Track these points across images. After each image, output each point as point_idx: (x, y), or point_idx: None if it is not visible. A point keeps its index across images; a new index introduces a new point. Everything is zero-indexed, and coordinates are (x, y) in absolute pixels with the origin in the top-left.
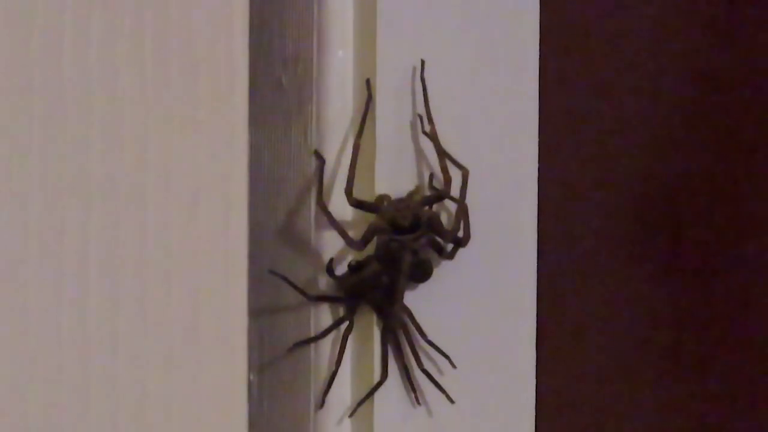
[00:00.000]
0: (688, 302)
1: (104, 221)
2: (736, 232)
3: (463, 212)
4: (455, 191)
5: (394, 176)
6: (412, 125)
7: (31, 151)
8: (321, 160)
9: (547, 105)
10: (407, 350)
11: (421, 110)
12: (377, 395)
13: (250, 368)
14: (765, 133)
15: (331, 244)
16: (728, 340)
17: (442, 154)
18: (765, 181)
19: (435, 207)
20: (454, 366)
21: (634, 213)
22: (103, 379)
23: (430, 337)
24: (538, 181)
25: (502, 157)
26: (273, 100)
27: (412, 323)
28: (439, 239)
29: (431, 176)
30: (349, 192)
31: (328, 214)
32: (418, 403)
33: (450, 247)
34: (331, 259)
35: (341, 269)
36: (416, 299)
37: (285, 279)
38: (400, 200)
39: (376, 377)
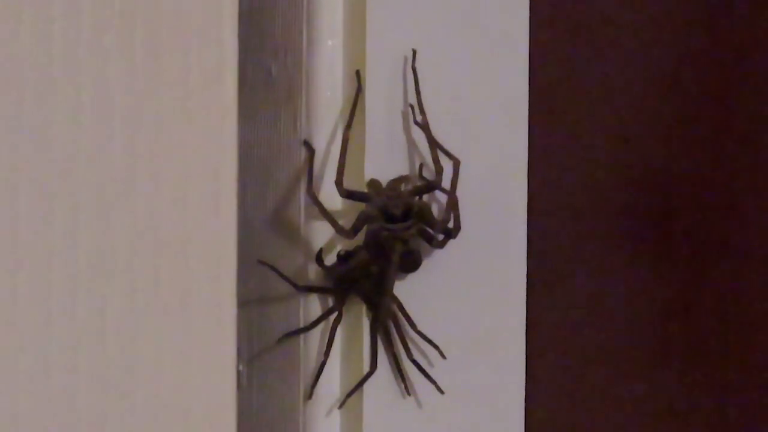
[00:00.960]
0: (678, 292)
1: (93, 211)
2: (726, 223)
3: (453, 203)
4: (446, 182)
5: (384, 166)
6: (403, 115)
7: (20, 141)
8: (311, 150)
9: (538, 95)
10: (397, 341)
11: (412, 100)
12: (367, 386)
13: (240, 359)
14: (757, 124)
15: (320, 234)
16: (718, 328)
17: (434, 144)
18: (756, 172)
19: (425, 197)
20: (443, 356)
21: (624, 204)
22: (91, 370)
23: (420, 328)
24: (529, 171)
25: (492, 147)
26: (262, 90)
27: (402, 313)
28: (429, 229)
29: (421, 166)
30: (339, 183)
31: (318, 204)
32: (408, 393)
33: (440, 237)
34: (321, 249)
35: (330, 259)
36: (406, 289)
37: (274, 269)
38: (391, 188)
39: (366, 368)
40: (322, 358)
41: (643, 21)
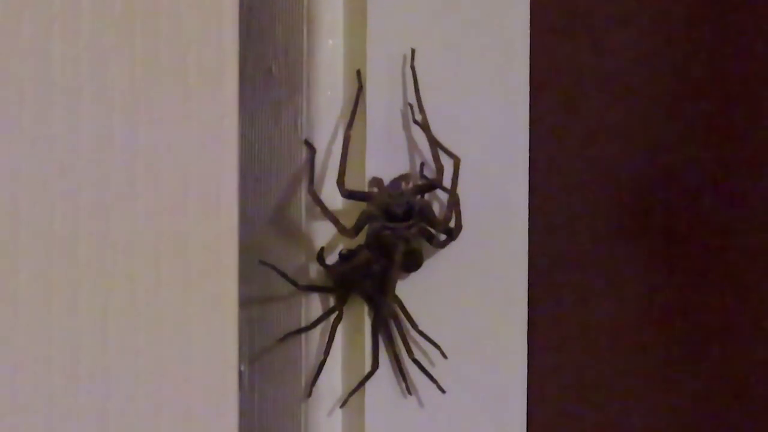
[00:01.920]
0: (681, 289)
1: (94, 210)
2: (729, 221)
3: (454, 203)
4: (447, 180)
5: (385, 165)
6: (404, 115)
7: (21, 137)
8: (311, 149)
9: (537, 93)
10: (398, 340)
11: (412, 99)
12: (368, 385)
13: (241, 358)
14: (761, 121)
15: (321, 234)
16: (721, 326)
17: (434, 143)
18: (761, 170)
19: (426, 195)
20: (444, 356)
21: (625, 200)
22: (92, 369)
23: (421, 327)
24: (529, 169)
25: (492, 145)
26: (263, 89)
27: (403, 313)
28: (429, 228)
29: (422, 165)
30: (341, 183)
31: (320, 203)
32: (409, 392)
33: (442, 237)
34: (322, 248)
35: (332, 259)
36: (407, 288)
37: (275, 268)
38: (393, 187)
39: (367, 367)
40: (322, 357)
41: (646, 17)
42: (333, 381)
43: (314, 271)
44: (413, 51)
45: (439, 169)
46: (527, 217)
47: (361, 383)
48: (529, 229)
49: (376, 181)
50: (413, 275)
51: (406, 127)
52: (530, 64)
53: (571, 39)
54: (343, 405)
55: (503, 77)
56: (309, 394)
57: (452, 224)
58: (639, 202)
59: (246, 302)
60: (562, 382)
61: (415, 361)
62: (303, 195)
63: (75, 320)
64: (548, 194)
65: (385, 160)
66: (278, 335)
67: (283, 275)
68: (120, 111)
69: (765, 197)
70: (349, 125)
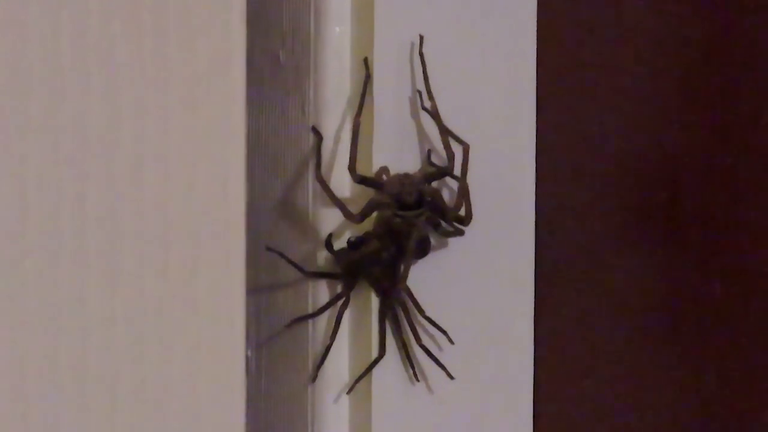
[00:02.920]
0: (687, 281)
1: (101, 196)
2: (735, 213)
3: (464, 191)
4: (457, 167)
5: (393, 153)
6: (411, 101)
7: (29, 124)
8: (319, 136)
9: (545, 80)
10: (405, 326)
11: (420, 86)
12: (375, 371)
13: (248, 344)
14: (764, 115)
15: (329, 220)
16: (727, 317)
17: (444, 130)
18: (765, 161)
19: (434, 183)
20: (452, 342)
21: (632, 191)
22: (100, 355)
23: (428, 313)
24: (537, 156)
25: (500, 133)
26: (270, 77)
27: (410, 299)
28: (437, 216)
29: (430, 152)
30: (352, 169)
31: (327, 189)
32: (417, 379)
33: (450, 229)
34: (330, 235)
35: (339, 246)
36: (414, 275)
37: (282, 255)
38: (405, 175)
39: (374, 353)
40: (329, 342)
41: (652, 11)
42: (340, 367)
43: (321, 257)
44: (421, 38)
45: (450, 156)
46: (534, 205)
47: (368, 369)
48: (536, 217)
49: (384, 170)
50: (421, 262)
51: (415, 115)
52: (538, 50)
53: (579, 25)
54: (349, 391)
55: (511, 64)
56: (314, 378)
57: (462, 213)
58: (647, 192)
59: (253, 289)
60: (569, 368)
61: (423, 347)
62: (310, 182)
63: (83, 309)
64: (556, 181)
65: (393, 147)
66: (285, 321)
67: (291, 262)
68: (127, 100)
69: None
70: (358, 113)
